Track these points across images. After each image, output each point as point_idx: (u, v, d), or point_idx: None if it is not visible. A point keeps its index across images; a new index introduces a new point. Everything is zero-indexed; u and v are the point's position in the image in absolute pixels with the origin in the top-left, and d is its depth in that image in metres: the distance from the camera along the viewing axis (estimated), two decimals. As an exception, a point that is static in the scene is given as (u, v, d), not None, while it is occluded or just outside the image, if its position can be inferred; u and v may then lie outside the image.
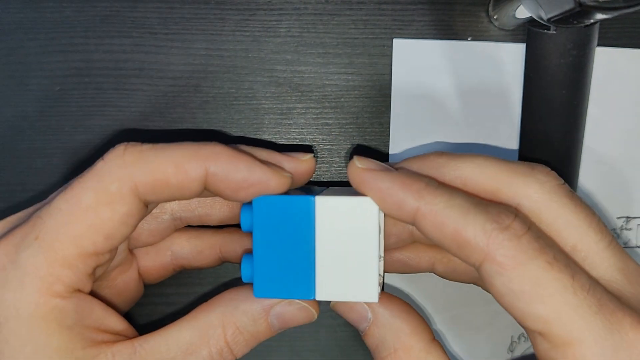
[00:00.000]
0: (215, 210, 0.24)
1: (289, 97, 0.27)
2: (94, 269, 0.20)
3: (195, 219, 0.24)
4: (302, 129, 0.27)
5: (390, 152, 0.27)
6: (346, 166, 0.27)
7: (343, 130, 0.27)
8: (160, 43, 0.27)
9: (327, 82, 0.27)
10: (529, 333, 0.19)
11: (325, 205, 0.20)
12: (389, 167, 0.21)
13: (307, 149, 0.27)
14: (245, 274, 0.21)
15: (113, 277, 0.24)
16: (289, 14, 0.27)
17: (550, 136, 0.25)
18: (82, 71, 0.27)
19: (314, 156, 0.23)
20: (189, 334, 0.21)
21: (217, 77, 0.27)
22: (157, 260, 0.25)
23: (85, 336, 0.20)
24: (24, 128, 0.27)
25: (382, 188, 0.20)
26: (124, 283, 0.24)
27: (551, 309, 0.18)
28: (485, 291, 0.26)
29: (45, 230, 0.19)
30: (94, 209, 0.19)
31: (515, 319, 0.19)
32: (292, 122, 0.27)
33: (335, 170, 0.28)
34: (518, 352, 0.28)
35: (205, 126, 0.27)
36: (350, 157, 0.24)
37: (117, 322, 0.21)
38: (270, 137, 0.27)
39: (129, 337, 0.21)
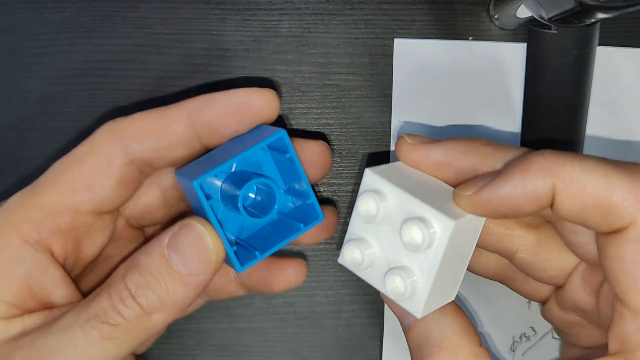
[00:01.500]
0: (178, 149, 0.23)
1: (290, 97, 0.27)
2: (70, 228, 0.20)
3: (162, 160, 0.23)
4: (303, 129, 0.27)
5: (391, 152, 0.27)
6: (347, 166, 0.27)
7: (344, 130, 0.27)
8: (161, 43, 0.27)
9: (328, 82, 0.27)
10: (619, 308, 0.18)
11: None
12: (461, 162, 0.20)
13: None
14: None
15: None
16: (290, 14, 0.27)
17: (551, 135, 0.25)
18: (83, 72, 0.27)
19: (323, 141, 0.23)
20: (104, 286, 0.20)
21: (218, 77, 0.27)
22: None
23: (33, 293, 0.20)
24: (24, 129, 0.27)
25: (509, 194, 0.18)
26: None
27: None
28: (488, 292, 0.26)
29: (37, 181, 0.21)
30: (80, 159, 0.21)
31: (618, 288, 0.18)
32: (293, 122, 0.27)
33: (336, 170, 0.28)
34: (520, 352, 0.28)
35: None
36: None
37: (64, 294, 0.20)
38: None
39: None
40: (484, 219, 0.20)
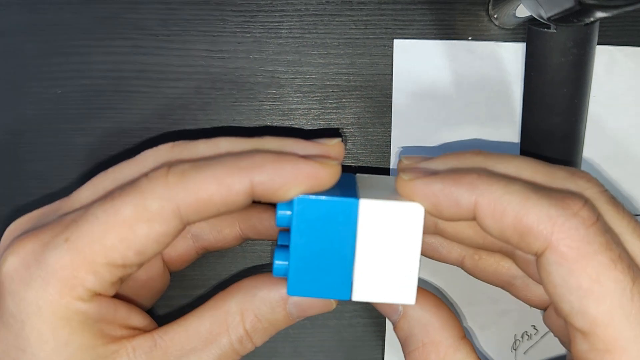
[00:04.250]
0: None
1: (291, 99, 0.27)
2: (120, 279, 0.20)
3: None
4: (304, 129, 0.27)
5: (392, 152, 0.27)
6: (347, 165, 0.27)
7: (345, 130, 0.27)
8: (160, 45, 0.27)
9: (328, 83, 0.27)
10: (571, 330, 0.18)
11: (370, 209, 0.20)
12: (428, 165, 0.21)
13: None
14: (278, 268, 0.21)
15: (138, 273, 0.23)
16: (290, 15, 0.27)
17: (551, 134, 0.25)
18: (82, 73, 0.27)
19: (341, 140, 0.22)
20: (208, 322, 0.21)
21: (218, 79, 0.27)
22: (179, 246, 0.24)
23: (106, 333, 0.20)
24: (23, 131, 0.27)
25: (435, 192, 0.19)
26: (148, 275, 0.24)
27: (604, 310, 0.17)
28: (491, 291, 0.26)
29: (78, 234, 0.19)
30: (131, 223, 0.19)
31: (562, 312, 0.18)
32: (293, 123, 0.27)
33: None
34: (521, 351, 0.28)
35: (206, 127, 0.27)
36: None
37: (139, 319, 0.21)
38: (271, 138, 0.27)
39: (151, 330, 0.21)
40: (422, 211, 0.20)
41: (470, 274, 0.25)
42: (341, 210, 0.20)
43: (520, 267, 0.23)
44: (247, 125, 0.27)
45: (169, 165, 0.20)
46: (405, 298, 0.20)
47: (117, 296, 0.21)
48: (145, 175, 0.20)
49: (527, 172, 0.20)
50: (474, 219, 0.19)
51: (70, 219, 0.20)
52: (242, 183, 0.19)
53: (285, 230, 0.22)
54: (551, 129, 0.26)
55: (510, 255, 0.23)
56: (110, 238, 0.19)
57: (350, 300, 0.20)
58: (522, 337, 0.28)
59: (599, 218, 0.18)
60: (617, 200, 0.20)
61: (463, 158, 0.21)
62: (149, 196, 0.19)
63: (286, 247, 0.21)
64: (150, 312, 0.27)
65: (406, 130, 0.27)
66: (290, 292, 0.20)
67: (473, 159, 0.21)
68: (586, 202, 0.18)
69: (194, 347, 0.20)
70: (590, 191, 0.19)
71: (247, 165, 0.19)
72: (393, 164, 0.27)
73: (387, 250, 0.20)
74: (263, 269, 0.28)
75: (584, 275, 0.17)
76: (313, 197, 0.20)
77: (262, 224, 0.24)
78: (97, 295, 0.20)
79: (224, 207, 0.19)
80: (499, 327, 0.28)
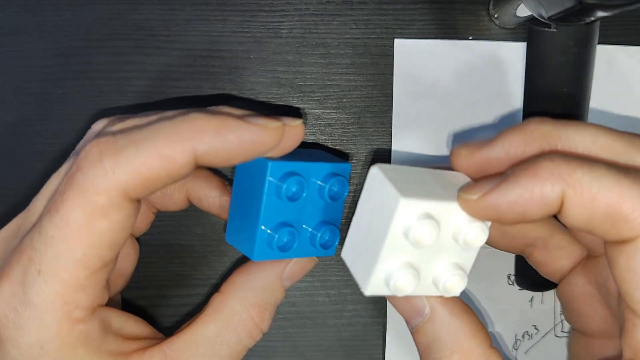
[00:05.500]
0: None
1: (291, 98, 0.27)
2: (107, 279, 0.20)
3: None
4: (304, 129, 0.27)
5: (392, 152, 0.27)
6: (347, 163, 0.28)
7: (345, 130, 0.27)
8: (161, 45, 0.27)
9: (328, 83, 0.27)
10: (630, 317, 0.17)
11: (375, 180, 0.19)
12: (489, 162, 0.19)
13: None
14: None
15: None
16: (291, 14, 0.27)
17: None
18: (84, 74, 0.27)
19: (303, 122, 0.21)
20: (214, 326, 0.21)
21: (219, 79, 0.27)
22: (140, 213, 0.23)
23: (115, 351, 0.19)
24: (25, 131, 0.27)
25: (514, 199, 0.17)
26: (122, 256, 0.23)
27: None
28: (492, 291, 0.26)
29: (46, 262, 0.18)
30: (88, 227, 0.18)
31: (630, 298, 0.17)
32: (294, 122, 0.27)
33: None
34: (522, 350, 0.28)
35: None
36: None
37: (137, 326, 0.21)
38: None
39: (154, 339, 0.21)
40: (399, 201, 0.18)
41: (491, 245, 0.23)
42: (258, 168, 0.21)
43: (536, 261, 0.22)
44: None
45: (99, 143, 0.18)
46: (362, 284, 0.19)
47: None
48: (77, 166, 0.18)
49: (603, 140, 0.18)
50: (558, 213, 0.17)
51: (29, 246, 0.18)
52: (184, 154, 0.18)
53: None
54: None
55: (528, 252, 0.23)
56: (78, 250, 0.18)
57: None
58: (523, 336, 0.28)
59: None
60: None
61: (527, 135, 0.19)
62: (90, 191, 0.18)
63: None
64: (151, 313, 0.28)
65: (406, 130, 0.27)
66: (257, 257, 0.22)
67: (540, 132, 0.19)
68: None
69: (203, 353, 0.20)
70: None
71: (188, 132, 0.18)
72: (393, 164, 0.27)
73: (370, 227, 0.19)
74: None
75: None
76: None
77: (208, 200, 0.24)
78: (93, 309, 0.19)
79: (169, 179, 0.19)
80: (500, 327, 0.28)
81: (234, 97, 0.27)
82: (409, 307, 0.20)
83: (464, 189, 0.19)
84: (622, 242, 0.17)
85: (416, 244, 0.18)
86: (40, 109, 0.27)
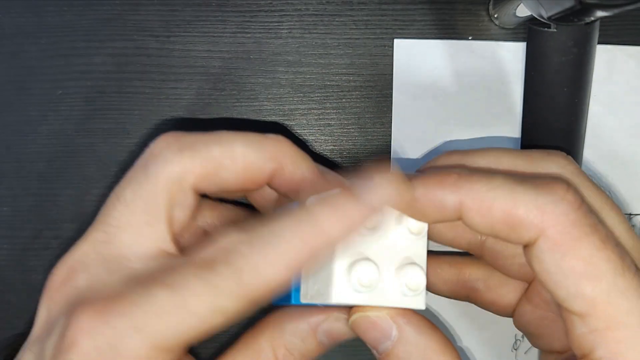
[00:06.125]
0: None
1: (291, 99, 0.27)
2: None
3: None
4: (304, 130, 0.27)
5: (392, 152, 0.27)
6: (347, 165, 0.28)
7: (345, 131, 0.27)
8: (161, 46, 0.27)
9: (328, 83, 0.27)
10: (567, 316, 0.18)
11: None
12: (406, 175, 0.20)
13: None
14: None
15: None
16: (290, 15, 0.27)
17: (551, 134, 0.25)
18: (84, 74, 0.27)
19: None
20: None
21: (219, 79, 0.27)
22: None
23: None
24: (26, 132, 0.27)
25: (418, 196, 0.19)
26: None
27: (599, 290, 0.17)
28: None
29: (145, 321, 0.17)
30: (201, 315, 0.17)
31: (557, 298, 0.18)
32: (294, 123, 0.27)
33: (337, 171, 0.28)
34: (522, 351, 0.28)
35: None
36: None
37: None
38: (272, 138, 0.27)
39: None
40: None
41: (431, 292, 0.25)
42: None
43: (491, 262, 0.23)
44: (247, 126, 0.27)
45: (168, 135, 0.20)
46: (326, 297, 0.19)
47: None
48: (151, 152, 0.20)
49: (506, 160, 0.20)
50: (459, 219, 0.19)
51: (131, 301, 0.17)
52: (268, 165, 0.20)
53: None
54: (552, 128, 0.26)
55: (477, 252, 0.23)
56: (176, 317, 0.17)
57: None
58: (523, 337, 0.28)
59: (583, 200, 0.18)
60: (590, 178, 0.20)
61: (439, 162, 0.21)
62: (164, 174, 0.19)
63: None
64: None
65: (406, 130, 0.27)
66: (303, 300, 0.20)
67: (449, 159, 0.21)
68: (569, 184, 0.18)
69: None
70: (567, 169, 0.20)
71: (270, 148, 0.20)
72: (392, 165, 0.27)
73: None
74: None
75: (578, 259, 0.17)
76: None
77: None
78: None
79: (248, 183, 0.20)
80: (499, 327, 0.28)
81: (234, 98, 0.27)
82: (377, 331, 0.20)
83: (376, 183, 0.19)
84: (528, 246, 0.18)
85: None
86: (41, 110, 0.27)
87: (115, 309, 0.17)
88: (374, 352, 0.21)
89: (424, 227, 0.20)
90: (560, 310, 0.19)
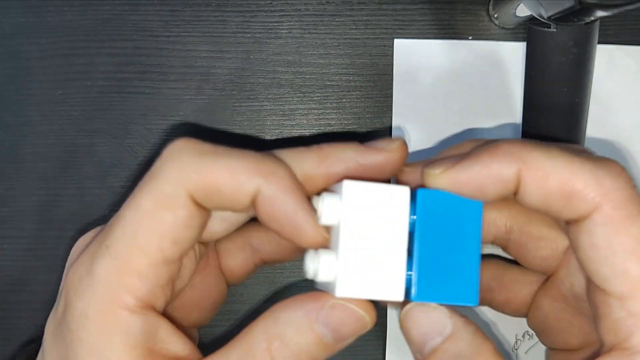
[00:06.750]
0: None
1: (291, 99, 0.27)
2: (167, 281, 0.19)
3: None
4: (304, 130, 0.27)
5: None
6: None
7: (345, 130, 0.27)
8: (161, 46, 0.27)
9: (328, 83, 0.27)
10: (602, 301, 0.18)
11: (355, 192, 0.19)
12: (448, 154, 0.20)
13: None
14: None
15: (194, 288, 0.23)
16: (290, 15, 0.27)
17: (552, 133, 0.25)
18: (84, 75, 0.27)
19: (403, 141, 0.20)
20: (235, 353, 0.19)
21: (219, 79, 0.27)
22: (237, 256, 0.24)
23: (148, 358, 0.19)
24: (26, 132, 0.27)
25: (476, 173, 0.18)
26: (205, 283, 0.23)
27: None
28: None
29: (114, 238, 0.19)
30: (154, 213, 0.19)
31: (598, 278, 0.18)
32: (294, 123, 0.27)
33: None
34: (522, 350, 0.28)
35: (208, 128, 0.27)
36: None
37: (182, 346, 0.20)
38: (272, 138, 0.27)
39: None
40: (407, 193, 0.19)
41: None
42: (466, 210, 0.19)
43: (514, 254, 0.22)
44: (247, 126, 0.27)
45: (186, 142, 0.19)
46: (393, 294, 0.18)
47: (169, 318, 0.20)
48: (160, 156, 0.19)
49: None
50: (514, 193, 0.18)
51: (108, 225, 0.20)
52: (250, 185, 0.19)
53: None
54: (552, 128, 0.26)
55: (503, 241, 0.23)
56: (142, 235, 0.18)
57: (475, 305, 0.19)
58: (524, 336, 0.28)
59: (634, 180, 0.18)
60: None
61: (463, 148, 0.20)
62: (162, 181, 0.19)
63: None
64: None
65: (406, 130, 0.27)
66: (419, 298, 0.19)
67: (512, 153, 0.19)
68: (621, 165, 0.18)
69: None
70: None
71: (264, 169, 0.19)
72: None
73: (373, 238, 0.18)
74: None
75: (629, 236, 0.17)
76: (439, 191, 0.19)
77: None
78: (145, 307, 0.19)
79: (230, 203, 0.19)
80: (500, 327, 0.28)
81: (234, 98, 0.27)
82: (430, 325, 0.19)
83: (428, 165, 0.19)
84: (579, 220, 0.18)
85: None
86: (41, 110, 0.27)
87: (96, 238, 0.20)
88: (416, 356, 0.19)
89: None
90: (592, 296, 0.18)
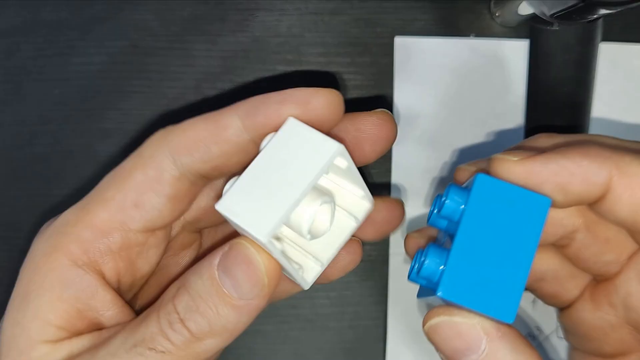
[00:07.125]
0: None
1: (291, 98, 0.27)
2: (121, 248, 0.19)
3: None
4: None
5: (393, 151, 0.27)
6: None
7: (345, 130, 0.27)
8: (160, 44, 0.27)
9: (328, 83, 0.27)
10: None
11: None
12: (528, 145, 0.19)
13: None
14: (427, 268, 0.16)
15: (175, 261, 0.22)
16: (290, 13, 0.27)
17: (555, 132, 0.25)
18: (81, 74, 0.27)
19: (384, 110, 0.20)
20: (154, 307, 0.18)
21: (218, 78, 0.27)
22: (222, 241, 0.21)
23: (74, 319, 0.18)
24: (23, 132, 0.27)
25: (561, 169, 0.16)
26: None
27: None
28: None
29: (88, 197, 0.19)
30: (128, 173, 0.19)
31: None
32: (294, 122, 0.27)
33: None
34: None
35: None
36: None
37: (114, 316, 0.19)
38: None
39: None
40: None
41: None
42: (529, 207, 0.16)
43: (574, 256, 0.21)
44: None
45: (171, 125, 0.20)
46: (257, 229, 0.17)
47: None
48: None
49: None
50: (599, 199, 0.17)
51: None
52: (230, 117, 0.19)
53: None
54: (555, 126, 0.25)
55: (566, 242, 0.21)
56: (110, 190, 0.19)
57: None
58: (526, 337, 0.28)
59: None
60: None
61: (539, 142, 0.19)
62: (145, 147, 0.19)
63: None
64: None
65: (407, 130, 0.27)
66: (445, 295, 0.16)
67: (552, 140, 0.19)
68: None
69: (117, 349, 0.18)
70: None
71: (237, 105, 0.19)
72: (393, 164, 0.27)
73: (277, 173, 0.17)
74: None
75: None
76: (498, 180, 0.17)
77: None
78: (89, 265, 0.18)
79: (216, 147, 0.19)
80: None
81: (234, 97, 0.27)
82: (462, 342, 0.17)
83: (503, 152, 0.18)
84: None
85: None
86: (38, 110, 0.27)
87: None
88: None
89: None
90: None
